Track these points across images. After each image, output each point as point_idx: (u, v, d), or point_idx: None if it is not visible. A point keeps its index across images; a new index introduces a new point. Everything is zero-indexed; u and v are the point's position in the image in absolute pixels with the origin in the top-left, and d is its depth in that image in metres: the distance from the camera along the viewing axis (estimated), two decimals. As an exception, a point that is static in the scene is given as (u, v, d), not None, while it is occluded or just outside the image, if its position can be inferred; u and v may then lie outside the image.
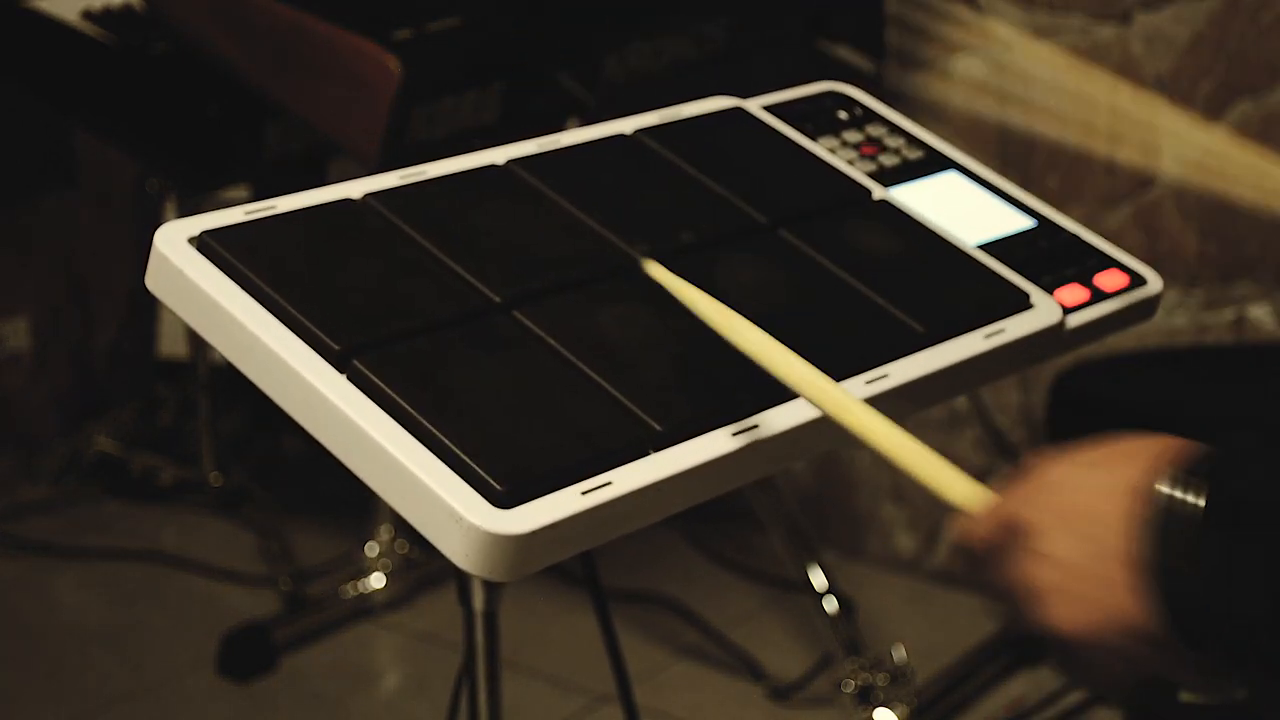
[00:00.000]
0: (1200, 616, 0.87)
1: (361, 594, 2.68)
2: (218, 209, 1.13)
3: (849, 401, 1.01)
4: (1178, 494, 0.88)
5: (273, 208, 1.14)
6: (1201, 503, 0.87)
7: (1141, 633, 0.89)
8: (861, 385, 1.12)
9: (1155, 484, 0.89)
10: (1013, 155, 2.64)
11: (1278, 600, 0.85)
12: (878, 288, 1.20)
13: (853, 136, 1.38)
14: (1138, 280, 1.31)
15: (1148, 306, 1.31)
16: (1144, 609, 0.89)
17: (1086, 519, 0.91)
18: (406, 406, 1.00)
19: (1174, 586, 0.88)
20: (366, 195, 1.17)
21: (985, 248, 1.29)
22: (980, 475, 0.99)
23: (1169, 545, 0.88)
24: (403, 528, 2.67)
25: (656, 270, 1.11)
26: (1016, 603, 0.95)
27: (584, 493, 0.99)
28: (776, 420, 1.07)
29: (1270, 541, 0.85)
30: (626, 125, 1.32)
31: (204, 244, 1.09)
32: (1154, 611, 0.88)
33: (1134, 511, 0.89)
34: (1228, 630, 0.87)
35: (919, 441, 0.99)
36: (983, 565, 0.96)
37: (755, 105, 1.39)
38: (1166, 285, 1.35)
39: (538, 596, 2.59)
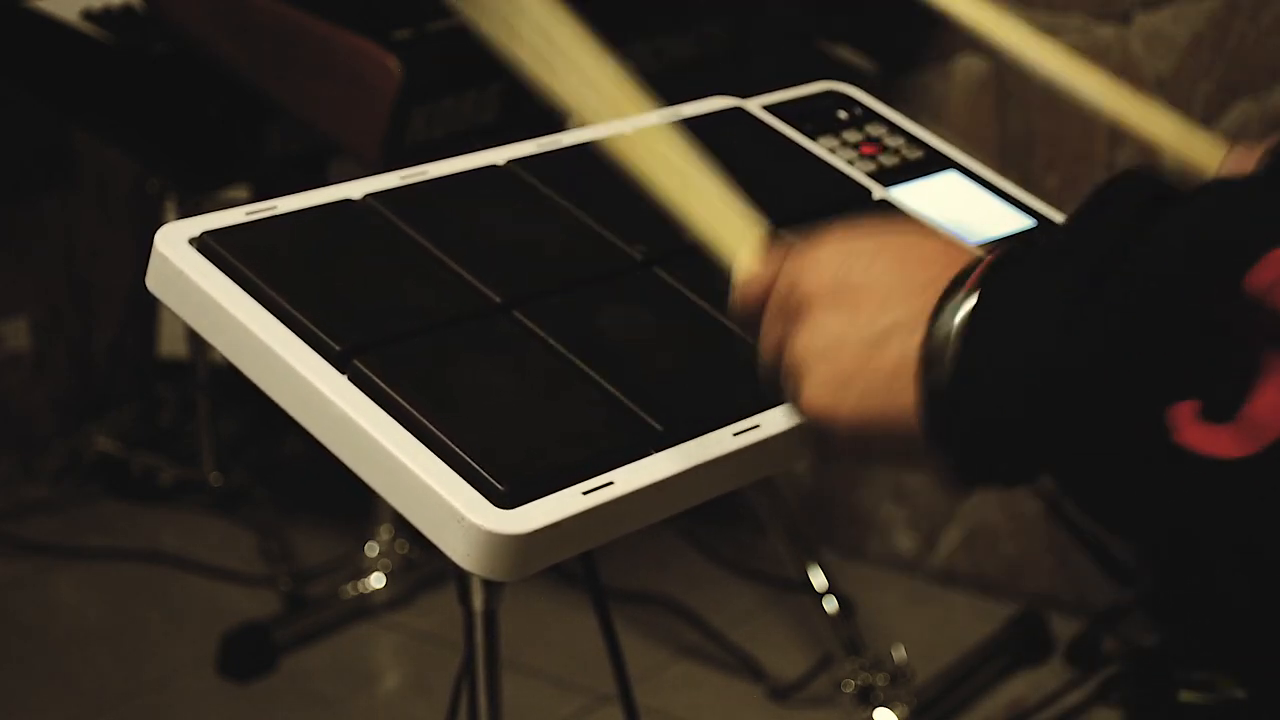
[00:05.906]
0: (949, 421, 0.86)
1: (361, 594, 2.68)
2: (218, 209, 1.13)
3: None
4: (956, 300, 0.87)
5: (273, 208, 1.14)
6: (968, 309, 0.86)
7: (898, 428, 0.89)
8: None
9: (943, 290, 0.88)
10: (1013, 155, 2.64)
11: (1026, 405, 0.83)
12: (878, 288, 1.20)
13: (852, 136, 1.38)
14: (1138, 280, 1.31)
15: (1148, 307, 1.31)
16: (907, 405, 0.88)
17: (875, 305, 0.90)
18: (407, 406, 1.00)
19: (933, 388, 0.86)
20: (367, 195, 1.17)
21: (985, 248, 1.29)
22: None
23: (939, 354, 0.86)
24: (403, 528, 2.67)
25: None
26: (778, 370, 0.94)
27: (585, 492, 0.99)
28: (777, 420, 1.07)
29: (1019, 351, 0.83)
30: (626, 125, 1.32)
31: (204, 244, 1.09)
32: (915, 410, 0.87)
33: (921, 313, 0.88)
34: (971, 432, 0.86)
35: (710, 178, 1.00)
36: (755, 324, 0.95)
37: (755, 105, 1.39)
38: (1166, 284, 1.35)
39: (538, 596, 2.59)
